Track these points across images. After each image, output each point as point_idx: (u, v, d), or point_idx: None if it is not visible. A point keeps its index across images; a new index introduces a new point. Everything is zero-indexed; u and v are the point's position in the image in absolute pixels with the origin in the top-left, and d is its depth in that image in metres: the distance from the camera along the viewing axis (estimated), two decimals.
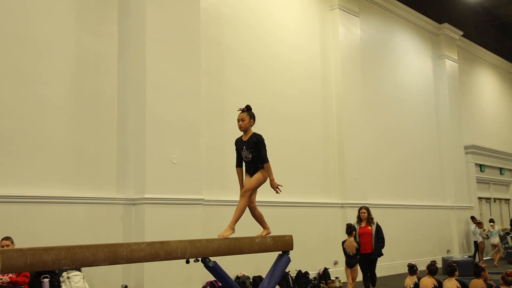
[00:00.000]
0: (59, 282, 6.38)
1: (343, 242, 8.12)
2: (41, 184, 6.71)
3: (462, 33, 16.22)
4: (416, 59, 14.71)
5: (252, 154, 4.67)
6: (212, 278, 7.80)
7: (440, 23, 15.44)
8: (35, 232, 6.46)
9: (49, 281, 6.23)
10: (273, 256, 4.88)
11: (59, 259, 3.11)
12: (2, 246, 5.92)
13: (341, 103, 11.34)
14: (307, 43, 11.05)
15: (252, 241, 4.57)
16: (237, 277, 8.60)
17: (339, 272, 10.34)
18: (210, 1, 9.07)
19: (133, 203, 7.38)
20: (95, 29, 7.56)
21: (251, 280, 8.70)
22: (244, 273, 8.69)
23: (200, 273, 7.44)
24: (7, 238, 6.07)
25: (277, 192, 4.66)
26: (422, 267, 8.51)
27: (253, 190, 4.71)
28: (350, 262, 7.94)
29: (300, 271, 9.62)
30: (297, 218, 9.89)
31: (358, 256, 7.98)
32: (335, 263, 10.60)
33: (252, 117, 4.77)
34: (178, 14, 7.99)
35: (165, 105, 7.63)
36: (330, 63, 11.49)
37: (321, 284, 9.90)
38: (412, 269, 7.29)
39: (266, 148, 4.69)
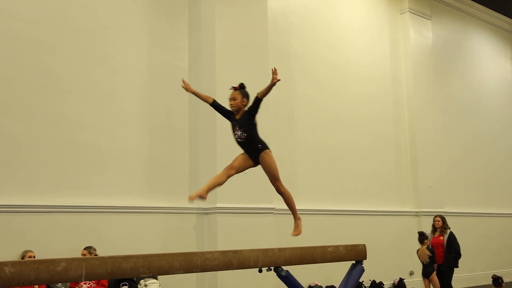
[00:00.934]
0: None
1: (417, 251, 7.88)
2: (120, 194, 7.01)
3: None
4: (494, 60, 14.01)
5: (247, 133, 4.29)
6: (285, 287, 7.78)
7: None
8: (114, 241, 6.74)
9: None
10: (345, 265, 4.80)
11: (137, 267, 3.21)
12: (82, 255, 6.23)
13: (413, 108, 11.01)
14: (376, 48, 10.85)
15: (324, 250, 4.52)
16: (310, 287, 8.53)
17: (415, 282, 10.00)
18: (278, 11, 9.14)
19: (205, 212, 7.52)
20: (167, 44, 7.83)
21: None
22: (317, 283, 8.60)
23: (272, 282, 7.44)
24: (87, 248, 6.38)
25: (275, 70, 4.06)
26: (507, 278, 8.06)
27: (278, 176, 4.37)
28: (426, 272, 7.67)
29: (374, 281, 9.40)
30: (369, 227, 9.68)
31: (435, 265, 7.68)
32: (411, 273, 10.26)
33: (245, 96, 4.35)
34: (246, 26, 8.11)
35: None
36: (401, 68, 11.21)
37: None
38: (497, 281, 6.90)
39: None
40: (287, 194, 4.44)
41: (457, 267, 7.93)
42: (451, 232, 7.99)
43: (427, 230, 8.34)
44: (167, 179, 7.52)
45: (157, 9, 7.82)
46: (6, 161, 6.29)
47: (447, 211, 10.68)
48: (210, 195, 7.76)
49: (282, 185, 4.42)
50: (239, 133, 4.32)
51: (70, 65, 6.90)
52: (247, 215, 7.59)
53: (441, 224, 8.01)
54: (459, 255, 7.86)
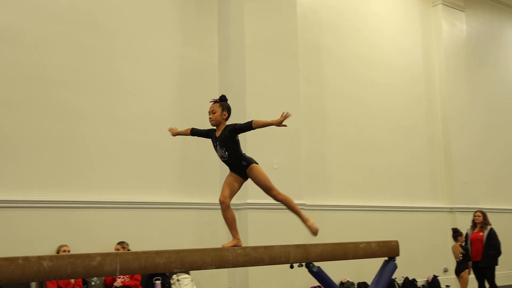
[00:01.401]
0: (169, 284, 6.69)
1: (452, 248, 7.75)
2: (152, 190, 7.11)
3: None
4: None
5: (228, 152, 4.00)
6: (316, 283, 7.75)
7: None
8: (146, 236, 6.84)
9: (160, 283, 6.56)
10: (378, 262, 4.75)
11: (170, 262, 3.25)
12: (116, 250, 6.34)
13: (446, 102, 10.79)
14: (409, 42, 10.67)
15: (356, 246, 4.48)
16: (342, 283, 8.48)
17: (449, 280, 9.82)
18: (307, 6, 9.08)
19: (236, 208, 7.53)
20: (197, 41, 7.87)
21: (355, 286, 8.54)
22: (349, 279, 8.54)
23: (304, 278, 7.42)
24: (120, 243, 6.48)
25: (286, 116, 3.83)
26: None
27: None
28: (457, 269, 7.54)
29: (407, 278, 9.28)
30: (402, 223, 9.54)
31: (470, 262, 7.53)
32: (445, 270, 10.08)
33: (226, 109, 4.04)
34: (275, 22, 8.09)
35: (265, 112, 7.68)
36: (434, 61, 11.00)
37: None
38: None
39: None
40: (287, 200, 4.20)
41: (497, 264, 7.73)
42: (491, 229, 7.76)
43: (462, 227, 8.16)
44: (198, 175, 7.57)
45: (186, 6, 7.87)
46: (45, 159, 6.44)
47: (483, 207, 10.44)
48: (240, 191, 7.81)
49: (279, 193, 4.18)
50: (221, 152, 4.05)
51: (102, 63, 7.00)
52: (278, 210, 7.55)
53: (481, 220, 7.80)
54: (498, 253, 7.63)
